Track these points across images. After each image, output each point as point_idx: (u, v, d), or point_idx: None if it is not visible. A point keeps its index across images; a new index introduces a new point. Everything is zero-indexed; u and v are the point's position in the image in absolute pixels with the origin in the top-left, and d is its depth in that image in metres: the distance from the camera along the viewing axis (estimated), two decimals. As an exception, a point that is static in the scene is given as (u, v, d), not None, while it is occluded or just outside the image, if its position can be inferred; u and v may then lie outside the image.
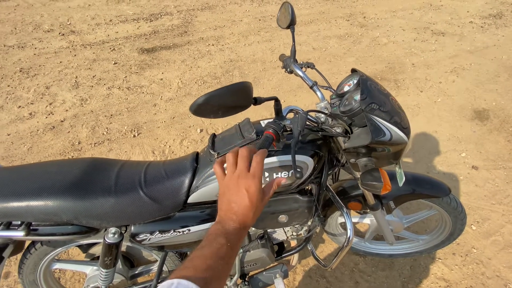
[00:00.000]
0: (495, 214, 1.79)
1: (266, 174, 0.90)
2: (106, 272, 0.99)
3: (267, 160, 0.89)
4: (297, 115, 0.78)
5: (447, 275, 1.52)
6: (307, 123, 0.92)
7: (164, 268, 1.19)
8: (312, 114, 0.93)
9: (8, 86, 2.88)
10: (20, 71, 3.09)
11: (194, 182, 0.92)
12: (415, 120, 2.49)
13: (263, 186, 0.56)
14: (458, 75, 2.99)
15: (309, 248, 1.26)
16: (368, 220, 1.41)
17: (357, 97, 0.83)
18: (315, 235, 1.69)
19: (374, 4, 4.55)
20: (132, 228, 0.93)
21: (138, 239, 0.93)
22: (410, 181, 1.14)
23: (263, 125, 0.93)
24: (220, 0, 4.78)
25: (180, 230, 0.94)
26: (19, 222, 0.84)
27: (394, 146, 0.87)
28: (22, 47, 3.53)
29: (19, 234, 0.81)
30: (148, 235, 0.93)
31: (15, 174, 0.90)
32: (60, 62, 3.22)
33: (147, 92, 2.80)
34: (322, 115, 0.93)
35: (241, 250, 1.08)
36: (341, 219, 1.44)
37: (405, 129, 0.86)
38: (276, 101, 0.81)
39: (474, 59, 3.24)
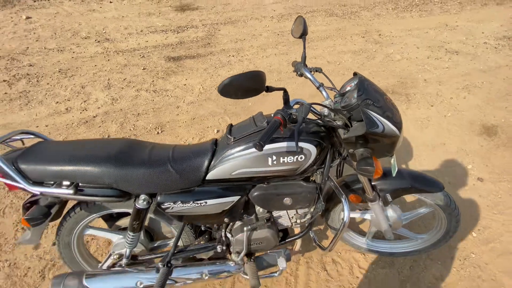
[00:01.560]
0: (496, 223, 1.83)
1: (274, 157, 1.05)
2: (132, 235, 1.15)
3: (276, 145, 1.04)
4: (302, 106, 0.94)
5: (445, 276, 1.58)
6: (312, 115, 1.08)
7: (179, 243, 1.34)
8: (317, 108, 1.08)
9: (48, 84, 3.22)
10: (59, 71, 3.44)
11: (212, 162, 1.08)
12: (424, 132, 2.57)
13: None
14: (469, 92, 3.06)
15: (311, 235, 1.37)
16: (368, 216, 1.50)
17: (356, 94, 0.98)
18: (319, 232, 1.79)
19: (390, 23, 4.71)
20: (159, 197, 1.09)
21: (163, 207, 1.09)
22: (406, 176, 1.25)
23: None
24: (242, 16, 5.10)
25: (198, 202, 1.10)
26: (69, 183, 1.02)
27: (387, 138, 1.00)
28: (61, 50, 3.92)
29: (69, 191, 0.99)
30: (172, 204, 1.09)
31: (66, 146, 1.09)
32: (95, 65, 3.55)
33: (171, 95, 3.05)
34: (326, 110, 1.08)
35: (249, 227, 1.21)
36: (343, 214, 1.54)
37: (397, 124, 1.00)
38: (285, 92, 0.97)
39: (486, 77, 3.30)
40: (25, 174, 0.99)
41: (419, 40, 4.11)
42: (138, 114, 2.76)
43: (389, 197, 1.26)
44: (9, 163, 0.99)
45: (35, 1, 5.63)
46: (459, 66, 3.50)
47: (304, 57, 1.24)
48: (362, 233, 1.71)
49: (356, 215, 1.54)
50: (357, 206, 1.54)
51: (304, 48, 1.24)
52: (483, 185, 2.11)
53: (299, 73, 1.27)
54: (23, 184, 0.97)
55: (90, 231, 1.31)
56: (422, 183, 1.24)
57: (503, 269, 1.59)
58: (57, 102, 2.92)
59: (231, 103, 2.91)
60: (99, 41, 4.14)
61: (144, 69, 3.49)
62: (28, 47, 3.96)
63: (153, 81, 3.26)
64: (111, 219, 1.37)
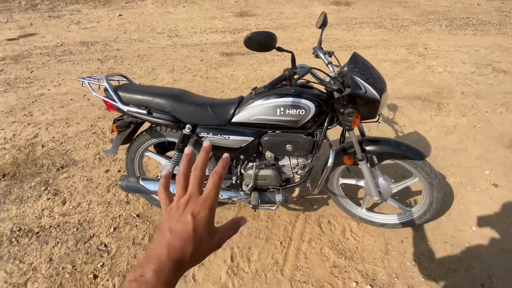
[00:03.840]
0: (500, 225, 1.87)
1: (282, 108, 1.41)
2: (177, 154, 1.62)
3: (284, 99, 1.40)
4: (304, 68, 1.30)
5: (432, 255, 1.72)
6: (314, 79, 1.42)
7: (206, 172, 1.77)
8: (321, 75, 1.43)
9: (128, 64, 4.04)
10: (138, 56, 4.26)
11: (237, 109, 1.50)
12: (447, 138, 2.64)
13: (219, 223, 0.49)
14: (507, 109, 3.00)
15: (307, 185, 1.69)
16: (362, 183, 1.75)
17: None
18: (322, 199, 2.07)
19: (440, 39, 4.70)
20: (198, 129, 1.54)
21: (200, 135, 1.54)
22: (392, 143, 1.50)
23: None
24: (293, 23, 5.56)
25: (224, 136, 1.52)
26: (145, 107, 1.53)
27: (370, 100, 1.30)
28: (141, 41, 4.81)
29: (144, 112, 1.50)
30: (206, 134, 1.53)
31: (145, 86, 1.62)
32: (164, 54, 4.32)
33: (219, 82, 3.60)
34: (327, 77, 1.41)
35: (258, 166, 1.59)
36: (341, 181, 1.82)
37: (378, 90, 1.29)
38: (293, 55, 1.34)
39: (534, 97, 3.17)
40: (120, 98, 1.53)
41: (467, 57, 4.06)
42: (192, 93, 3.35)
43: (375, 159, 1.52)
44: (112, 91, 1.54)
45: (126, 3, 6.87)
46: (503, 84, 3.41)
47: (320, 41, 1.60)
48: (357, 203, 1.94)
49: (352, 181, 1.80)
50: (353, 176, 1.81)
51: (321, 35, 1.59)
52: (497, 190, 2.14)
53: (315, 54, 1.63)
54: (118, 104, 1.50)
55: (148, 154, 1.82)
56: (406, 150, 1.47)
57: (496, 262, 1.65)
58: (133, 78, 3.68)
59: (269, 93, 3.33)
60: (170, 36, 4.97)
61: (201, 60, 4.14)
62: (117, 37, 4.95)
63: (207, 70, 3.87)
64: (162, 152, 1.88)
